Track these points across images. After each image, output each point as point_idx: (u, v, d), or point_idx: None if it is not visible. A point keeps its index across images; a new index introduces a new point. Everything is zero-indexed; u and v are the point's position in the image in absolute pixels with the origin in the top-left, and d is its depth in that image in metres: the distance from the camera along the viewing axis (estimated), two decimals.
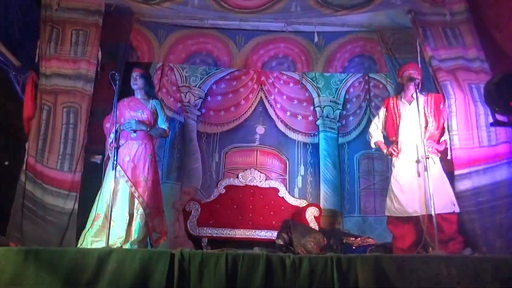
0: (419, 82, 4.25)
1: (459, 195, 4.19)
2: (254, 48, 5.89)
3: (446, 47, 4.67)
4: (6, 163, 4.40)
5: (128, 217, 4.07)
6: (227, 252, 3.16)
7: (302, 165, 5.80)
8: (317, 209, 5.33)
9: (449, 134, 4.32)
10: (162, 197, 4.50)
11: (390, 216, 4.32)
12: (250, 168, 5.67)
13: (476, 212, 4.15)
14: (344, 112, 5.92)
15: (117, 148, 3.97)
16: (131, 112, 4.34)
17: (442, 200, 4.03)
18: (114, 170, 3.88)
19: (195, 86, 5.86)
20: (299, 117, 5.93)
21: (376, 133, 4.56)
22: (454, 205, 4.08)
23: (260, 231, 5.18)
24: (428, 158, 3.97)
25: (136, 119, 4.28)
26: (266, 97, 5.97)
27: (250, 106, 5.93)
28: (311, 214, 5.28)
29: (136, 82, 4.41)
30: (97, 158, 4.61)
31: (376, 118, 4.64)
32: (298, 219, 5.05)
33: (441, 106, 4.35)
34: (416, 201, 4.10)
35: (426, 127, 4.22)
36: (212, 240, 5.11)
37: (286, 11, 4.94)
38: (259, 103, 5.96)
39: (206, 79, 5.93)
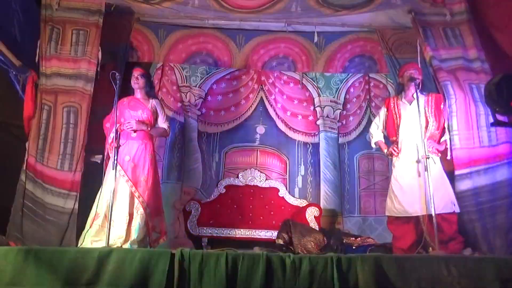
0: (419, 82, 4.24)
1: (459, 195, 4.19)
2: (255, 48, 5.89)
3: (447, 47, 4.67)
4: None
5: (128, 217, 4.06)
6: (227, 252, 3.16)
7: (302, 165, 5.79)
8: (317, 209, 5.33)
9: (449, 134, 4.32)
10: (162, 197, 4.51)
11: (390, 216, 4.32)
12: (250, 168, 5.67)
13: (476, 212, 4.16)
14: (345, 112, 5.91)
15: (118, 147, 3.97)
16: (131, 111, 4.34)
17: (442, 200, 4.03)
18: (114, 170, 3.88)
19: (196, 86, 5.86)
20: (300, 117, 5.93)
21: (376, 133, 4.56)
22: (454, 205, 4.08)
23: (260, 231, 5.18)
24: (428, 158, 3.97)
25: (136, 119, 4.28)
26: (266, 97, 5.96)
27: (251, 106, 5.93)
28: (311, 214, 5.28)
29: (138, 81, 4.40)
30: (97, 158, 4.61)
31: (377, 118, 4.64)
32: (298, 219, 5.05)
33: (442, 106, 4.35)
34: (416, 201, 4.10)
35: (426, 127, 4.21)
36: (212, 240, 5.11)
37: (287, 11, 4.94)
38: (259, 103, 5.95)
39: (207, 79, 5.92)
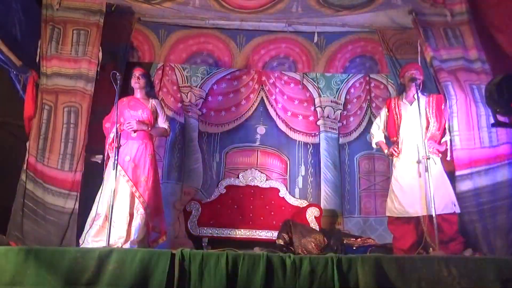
0: (420, 83, 4.25)
1: (460, 196, 4.19)
2: (255, 48, 5.89)
3: (447, 48, 4.67)
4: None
5: (129, 217, 4.06)
6: (227, 252, 3.16)
7: (302, 165, 5.79)
8: (317, 209, 5.32)
9: (450, 135, 4.32)
10: (162, 197, 4.51)
11: (390, 217, 4.32)
12: (251, 168, 5.67)
13: (477, 212, 4.15)
14: (345, 113, 5.91)
15: (118, 147, 3.96)
16: (131, 111, 4.34)
17: (443, 200, 4.03)
18: (115, 170, 3.88)
19: (196, 86, 5.85)
20: (300, 117, 5.92)
21: (377, 134, 4.56)
22: (454, 205, 4.08)
23: (260, 231, 5.17)
24: (429, 158, 3.97)
25: (137, 119, 4.28)
26: (267, 97, 5.96)
27: (251, 106, 5.93)
28: (311, 214, 5.28)
29: (139, 81, 4.40)
30: (98, 158, 4.61)
31: (378, 118, 4.65)
32: (298, 219, 5.05)
33: (443, 106, 4.35)
34: (416, 202, 4.10)
35: (427, 127, 4.21)
36: (213, 240, 5.11)
37: (287, 11, 4.94)
38: (260, 103, 5.95)
39: (207, 79, 5.92)
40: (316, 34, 5.56)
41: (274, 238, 4.78)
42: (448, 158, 4.29)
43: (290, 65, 5.97)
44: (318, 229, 4.99)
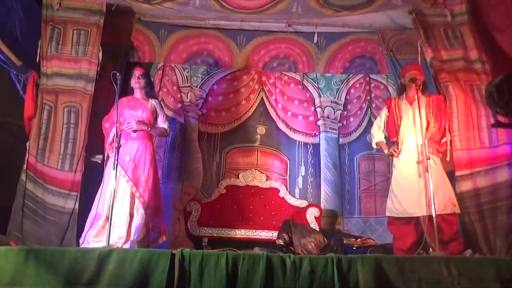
0: (420, 83, 4.25)
1: (460, 196, 4.19)
2: (255, 49, 5.90)
3: (447, 48, 4.67)
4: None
5: (129, 217, 4.06)
6: (227, 252, 3.16)
7: (302, 165, 5.79)
8: (317, 209, 5.32)
9: (450, 135, 4.32)
10: (162, 197, 4.51)
11: (390, 217, 4.32)
12: (251, 168, 5.67)
13: (477, 213, 4.15)
14: (345, 113, 5.91)
15: (118, 148, 3.96)
16: (131, 111, 4.34)
17: (443, 201, 4.03)
18: (115, 170, 3.88)
19: (196, 86, 5.86)
20: (300, 118, 5.92)
21: (377, 134, 4.57)
22: (454, 206, 4.08)
23: (260, 231, 5.17)
24: (429, 159, 3.97)
25: (136, 119, 4.28)
26: (267, 97, 5.96)
27: (251, 107, 5.93)
28: (311, 214, 5.28)
29: (139, 81, 4.41)
30: (98, 158, 4.60)
31: (378, 118, 4.65)
32: (298, 220, 5.05)
33: (443, 107, 4.35)
34: (416, 202, 4.10)
35: (427, 128, 4.21)
36: (213, 240, 5.11)
37: (287, 12, 4.94)
38: (260, 104, 5.95)
39: (207, 79, 5.92)
40: (316, 35, 5.56)
41: (274, 238, 4.78)
42: (448, 158, 4.29)
43: (290, 66, 5.97)
44: (318, 229, 4.99)
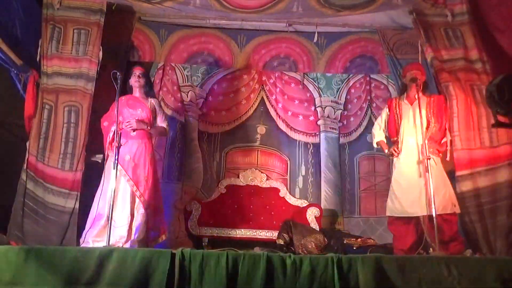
0: (420, 83, 4.25)
1: (460, 196, 4.19)
2: (256, 48, 5.89)
3: (448, 48, 4.66)
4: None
5: (130, 216, 4.06)
6: (227, 252, 3.16)
7: (303, 165, 5.79)
8: (318, 209, 5.32)
9: (450, 135, 4.32)
10: (161, 196, 4.50)
11: (391, 217, 4.32)
12: (251, 168, 5.67)
13: (477, 213, 4.15)
14: (345, 113, 5.91)
15: (119, 147, 3.95)
16: (130, 110, 4.33)
17: (443, 201, 4.03)
18: (115, 170, 3.87)
19: (197, 86, 5.86)
20: (300, 117, 5.92)
21: (378, 133, 4.57)
22: (455, 206, 4.08)
23: (260, 231, 5.17)
24: (429, 159, 3.97)
25: (136, 118, 4.27)
26: (267, 97, 5.96)
27: (251, 106, 5.93)
28: (311, 214, 5.28)
29: (139, 80, 4.41)
30: (98, 157, 4.60)
31: (379, 118, 4.65)
32: (298, 219, 5.05)
33: (443, 107, 4.35)
34: (417, 202, 4.10)
35: (427, 128, 4.21)
36: (213, 239, 5.11)
37: (288, 11, 4.94)
38: (260, 103, 5.95)
39: (208, 79, 5.92)
40: (316, 34, 5.57)
41: (274, 238, 4.78)
42: (448, 158, 4.29)
43: (291, 65, 5.97)
44: (318, 229, 4.99)
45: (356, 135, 5.85)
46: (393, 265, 3.13)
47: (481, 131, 4.34)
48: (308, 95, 5.96)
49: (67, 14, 4.68)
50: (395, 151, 4.33)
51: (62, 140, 4.42)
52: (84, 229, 4.05)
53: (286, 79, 5.98)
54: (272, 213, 5.37)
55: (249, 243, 4.83)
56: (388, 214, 4.34)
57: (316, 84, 5.97)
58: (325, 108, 5.90)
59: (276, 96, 5.94)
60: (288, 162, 5.82)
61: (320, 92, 5.94)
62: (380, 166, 5.70)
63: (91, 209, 4.08)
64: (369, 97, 5.89)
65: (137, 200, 4.12)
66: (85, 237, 3.98)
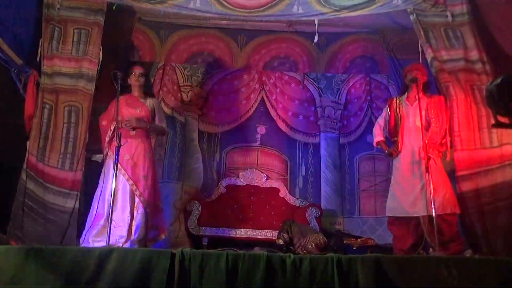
0: (421, 83, 4.25)
1: (460, 196, 4.18)
2: (256, 48, 5.90)
3: (448, 49, 4.66)
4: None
5: (130, 216, 4.06)
6: (227, 252, 3.16)
7: (303, 165, 5.80)
8: (317, 209, 5.33)
9: (450, 136, 4.32)
10: (160, 195, 4.50)
11: (390, 217, 4.32)
12: (251, 168, 5.68)
13: (477, 213, 4.14)
14: (346, 113, 5.92)
15: (119, 147, 3.94)
16: (129, 109, 4.33)
17: (443, 201, 4.03)
18: (115, 169, 3.87)
19: (197, 86, 5.86)
20: (300, 117, 5.93)
21: (378, 133, 4.57)
22: (454, 206, 4.08)
23: (260, 231, 5.18)
24: (429, 159, 3.97)
25: (135, 117, 4.26)
26: (267, 97, 5.97)
27: (252, 106, 5.94)
28: (311, 214, 5.29)
29: (139, 79, 4.41)
30: (98, 157, 4.61)
31: (380, 117, 4.66)
32: (298, 219, 5.05)
33: (444, 107, 4.35)
34: (416, 202, 4.10)
35: (428, 128, 4.21)
36: (213, 239, 5.11)
37: (288, 11, 4.93)
38: (260, 103, 5.96)
39: (208, 79, 5.93)
40: (316, 34, 5.56)
41: (274, 238, 4.79)
42: (449, 158, 4.29)
43: (291, 65, 5.97)
44: (318, 229, 5.00)
45: (356, 135, 5.86)
46: (393, 265, 3.13)
47: (481, 131, 4.33)
48: (308, 95, 5.97)
49: (67, 14, 4.68)
50: (395, 151, 4.33)
51: (62, 140, 4.41)
52: (84, 229, 4.05)
53: (286, 79, 5.99)
54: (272, 213, 5.37)
55: (249, 243, 4.84)
56: (388, 214, 4.34)
57: (316, 84, 5.98)
58: (325, 108, 5.91)
59: (276, 96, 5.94)
60: (288, 162, 5.82)
61: (320, 92, 5.95)
62: (379, 166, 5.71)
63: (91, 209, 4.08)
64: (369, 97, 5.89)
65: (136, 199, 4.12)
66: (84, 237, 3.98)
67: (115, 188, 3.85)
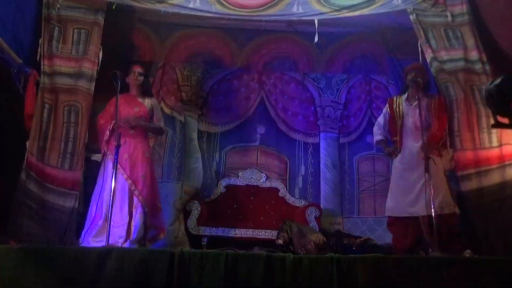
0: (421, 83, 4.25)
1: (460, 196, 4.19)
2: (256, 48, 5.90)
3: (448, 49, 4.67)
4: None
5: (128, 216, 4.06)
6: (227, 252, 3.16)
7: (302, 165, 5.80)
8: (317, 209, 5.33)
9: (450, 136, 4.32)
10: (159, 194, 4.48)
11: (390, 217, 4.32)
12: (251, 168, 5.68)
13: (477, 213, 4.15)
14: (345, 113, 5.92)
15: (118, 147, 3.92)
16: (127, 108, 4.32)
17: (443, 201, 4.03)
18: (115, 169, 3.86)
19: (196, 86, 5.86)
20: (300, 117, 5.93)
21: (379, 133, 4.57)
22: (454, 206, 4.08)
23: (260, 231, 5.18)
24: (429, 159, 3.97)
25: (133, 116, 4.26)
26: (267, 97, 5.97)
27: (251, 106, 5.93)
28: (311, 214, 5.28)
29: (138, 78, 4.40)
30: (98, 157, 4.60)
31: (380, 117, 4.67)
32: (298, 219, 5.06)
33: (444, 107, 4.35)
34: (416, 202, 4.10)
35: (428, 128, 4.21)
36: (212, 239, 5.11)
37: (288, 11, 4.93)
38: (260, 103, 5.96)
39: (208, 79, 5.93)
40: (317, 34, 5.56)
41: (273, 238, 4.78)
42: (449, 158, 4.29)
43: (291, 65, 5.97)
44: (317, 229, 5.00)
45: (355, 135, 5.86)
46: (393, 265, 3.13)
47: (481, 131, 4.34)
48: (308, 95, 5.97)
49: (67, 14, 4.68)
50: (395, 151, 4.33)
51: (62, 140, 4.41)
52: (83, 228, 4.05)
53: (286, 79, 5.99)
54: (272, 213, 5.38)
55: (249, 243, 4.83)
56: (387, 214, 4.35)
57: (316, 84, 5.98)
58: (325, 108, 5.91)
59: (276, 96, 5.94)
60: (288, 162, 5.82)
61: (320, 92, 5.95)
62: (379, 166, 5.71)
63: (89, 209, 4.08)
64: (369, 97, 5.89)
65: (135, 199, 4.11)
66: (84, 237, 3.97)
67: (114, 187, 3.84)
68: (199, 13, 5.03)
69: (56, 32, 4.61)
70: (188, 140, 5.70)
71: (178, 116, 5.72)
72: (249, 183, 5.58)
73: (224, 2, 4.79)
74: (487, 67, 4.48)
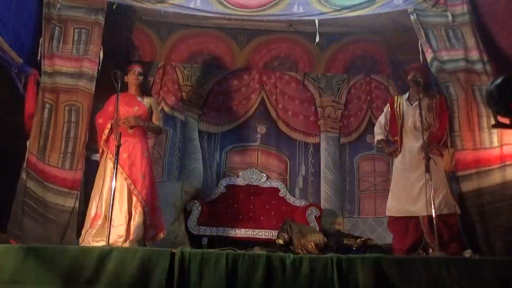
0: (422, 83, 4.25)
1: (460, 197, 4.19)
2: (256, 48, 5.90)
3: (448, 49, 4.67)
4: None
5: (128, 216, 4.06)
6: (227, 252, 3.16)
7: (303, 165, 5.80)
8: (317, 209, 5.32)
9: (451, 136, 4.32)
10: (158, 194, 4.47)
11: (390, 217, 4.32)
12: (251, 168, 5.68)
13: (477, 213, 4.15)
14: (346, 113, 5.92)
15: (119, 146, 3.92)
16: (126, 107, 4.32)
17: (443, 201, 4.03)
18: (115, 169, 3.86)
19: (197, 85, 5.86)
20: (301, 117, 5.93)
21: (379, 132, 4.57)
22: (455, 206, 4.08)
23: (260, 230, 5.17)
24: (430, 159, 3.97)
25: (133, 115, 4.25)
26: (267, 97, 5.97)
27: (252, 106, 5.93)
28: (311, 214, 5.28)
29: (138, 77, 4.40)
30: (98, 156, 4.60)
31: (381, 117, 4.66)
32: (298, 219, 5.05)
33: (444, 107, 4.35)
34: (417, 202, 4.10)
35: (428, 128, 4.21)
36: (213, 239, 5.11)
37: (289, 11, 4.94)
38: (260, 103, 5.96)
39: (208, 79, 5.93)
40: (317, 34, 5.56)
41: (274, 238, 4.79)
42: (449, 159, 4.29)
43: (291, 65, 5.97)
44: (318, 229, 4.99)
45: (356, 135, 5.86)
46: (393, 265, 3.13)
47: (482, 131, 4.34)
48: (308, 95, 5.97)
49: (67, 14, 4.69)
50: (396, 151, 4.33)
51: (63, 139, 4.42)
52: (83, 228, 4.04)
53: (286, 79, 5.99)
54: (272, 213, 5.38)
55: (249, 243, 4.84)
56: (388, 214, 4.35)
57: (317, 84, 5.98)
58: (325, 108, 5.91)
59: (276, 96, 5.94)
60: (288, 162, 5.82)
61: (321, 92, 5.95)
62: (379, 166, 5.71)
63: (89, 208, 4.08)
64: (369, 97, 5.89)
65: (134, 198, 4.10)
66: (84, 236, 3.97)
67: (114, 187, 3.83)
68: (199, 13, 5.04)
69: (56, 31, 4.62)
70: (188, 140, 5.70)
71: (178, 116, 5.72)
72: (250, 183, 5.58)
73: (224, 2, 4.79)
74: (488, 67, 4.48)
